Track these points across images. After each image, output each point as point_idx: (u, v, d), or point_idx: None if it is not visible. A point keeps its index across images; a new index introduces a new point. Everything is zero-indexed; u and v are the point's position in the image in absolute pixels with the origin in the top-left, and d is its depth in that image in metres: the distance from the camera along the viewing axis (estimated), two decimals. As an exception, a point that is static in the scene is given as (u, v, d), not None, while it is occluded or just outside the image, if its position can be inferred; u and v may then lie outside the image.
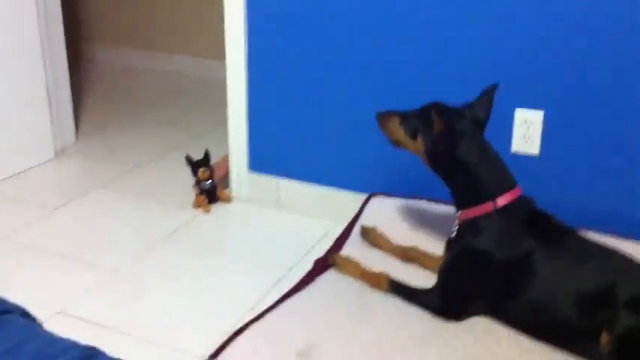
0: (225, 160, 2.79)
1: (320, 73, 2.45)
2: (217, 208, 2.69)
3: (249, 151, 2.67)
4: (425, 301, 1.77)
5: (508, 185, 1.73)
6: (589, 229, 2.07)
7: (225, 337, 1.74)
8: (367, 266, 1.93)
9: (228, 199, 2.73)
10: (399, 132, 1.83)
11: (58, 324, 1.95)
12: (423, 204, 2.23)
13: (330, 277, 1.95)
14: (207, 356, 1.64)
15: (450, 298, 1.75)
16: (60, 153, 3.14)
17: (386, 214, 2.22)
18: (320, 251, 2.12)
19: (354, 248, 2.08)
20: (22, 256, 2.35)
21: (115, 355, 0.89)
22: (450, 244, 1.80)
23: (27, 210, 2.65)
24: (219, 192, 2.71)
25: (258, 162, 2.68)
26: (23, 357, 0.85)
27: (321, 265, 2.01)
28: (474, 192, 1.73)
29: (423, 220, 2.16)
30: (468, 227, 1.74)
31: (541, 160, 2.24)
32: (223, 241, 2.46)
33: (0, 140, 2.87)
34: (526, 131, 2.21)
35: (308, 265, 2.06)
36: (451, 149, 1.72)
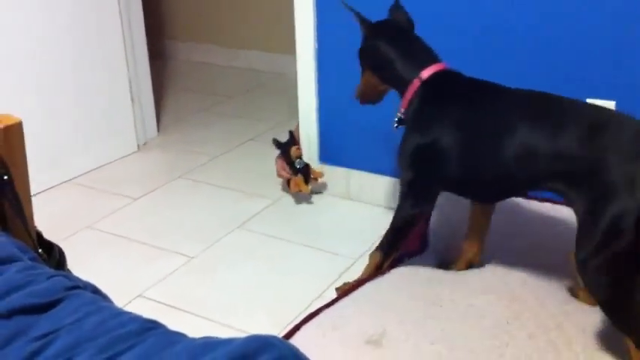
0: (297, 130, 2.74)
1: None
2: (288, 199, 2.75)
3: (320, 143, 2.72)
4: (398, 212, 1.85)
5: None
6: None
7: (295, 321, 1.80)
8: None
9: (321, 175, 2.65)
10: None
11: (137, 307, 2.07)
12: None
13: (403, 269, 1.97)
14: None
15: (415, 193, 1.83)
16: (142, 146, 3.28)
17: (461, 206, 2.23)
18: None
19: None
20: (105, 242, 2.48)
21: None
22: None
23: (111, 200, 2.79)
24: (312, 170, 2.63)
25: (329, 154, 2.72)
26: (87, 327, 0.90)
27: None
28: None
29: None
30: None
31: (614, 151, 2.20)
32: (294, 229, 2.51)
33: (86, 135, 3.02)
34: (598, 121, 2.17)
35: (376, 254, 2.09)
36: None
